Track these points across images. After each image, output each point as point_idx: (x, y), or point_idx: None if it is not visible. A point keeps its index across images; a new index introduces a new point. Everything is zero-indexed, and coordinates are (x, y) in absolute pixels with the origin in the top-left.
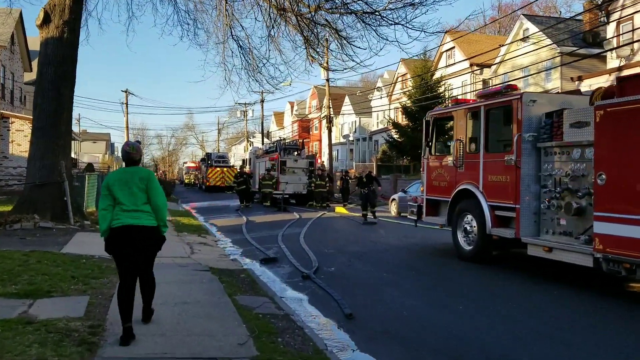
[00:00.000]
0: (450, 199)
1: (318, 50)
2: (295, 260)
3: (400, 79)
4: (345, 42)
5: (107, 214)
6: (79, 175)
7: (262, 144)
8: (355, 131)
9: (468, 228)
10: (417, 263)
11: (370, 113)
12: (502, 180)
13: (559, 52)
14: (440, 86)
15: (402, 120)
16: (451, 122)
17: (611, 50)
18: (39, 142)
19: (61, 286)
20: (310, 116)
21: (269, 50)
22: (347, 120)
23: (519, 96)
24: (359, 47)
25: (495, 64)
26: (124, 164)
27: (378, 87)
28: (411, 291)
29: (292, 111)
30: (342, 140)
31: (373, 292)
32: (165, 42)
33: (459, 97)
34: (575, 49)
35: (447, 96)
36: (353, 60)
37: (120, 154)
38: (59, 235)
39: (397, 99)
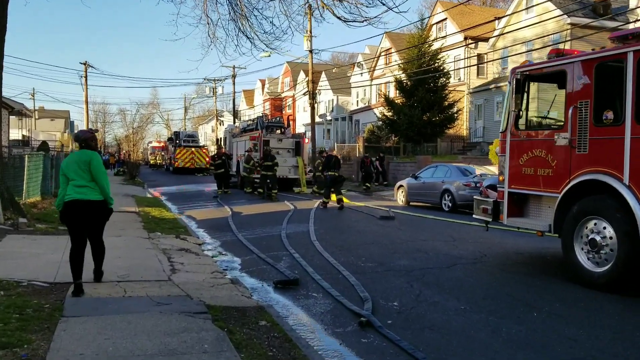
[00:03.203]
0: (559, 195)
1: None
2: (326, 284)
3: (383, 53)
4: None
5: (62, 191)
6: (20, 155)
7: (234, 123)
8: (332, 110)
9: (597, 239)
10: (520, 291)
11: (349, 91)
12: None
13: (568, 24)
14: (439, 59)
15: (394, 96)
16: (558, 82)
17: (637, 21)
18: None
19: None
20: (283, 94)
21: None
22: (323, 99)
23: None
24: None
25: (493, 37)
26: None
27: (358, 63)
28: None
29: (263, 89)
30: (318, 119)
31: None
32: (129, 6)
33: (452, 72)
34: (590, 21)
35: (445, 69)
36: (382, 3)
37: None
38: None
39: (381, 75)
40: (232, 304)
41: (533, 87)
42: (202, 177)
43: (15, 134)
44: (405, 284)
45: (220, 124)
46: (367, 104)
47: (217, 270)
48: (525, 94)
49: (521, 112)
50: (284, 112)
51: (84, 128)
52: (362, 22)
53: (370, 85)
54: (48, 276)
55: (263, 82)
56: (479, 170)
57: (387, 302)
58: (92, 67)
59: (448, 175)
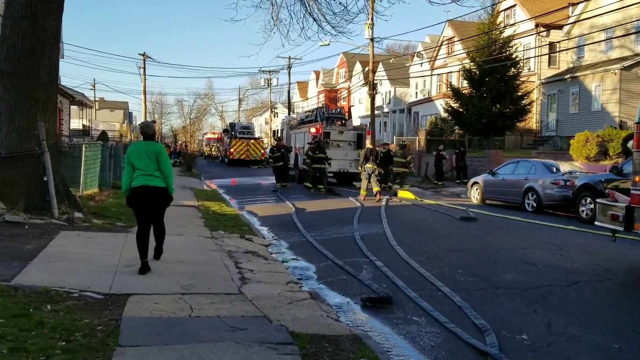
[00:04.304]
0: None
1: None
2: (426, 304)
3: (446, 42)
4: None
5: (128, 178)
6: (78, 144)
7: (288, 114)
8: (389, 102)
9: None
10: None
11: (407, 82)
12: None
13: None
14: (510, 46)
15: (458, 86)
16: None
17: None
18: (8, 94)
19: None
20: (338, 86)
21: None
22: (380, 90)
23: None
24: None
25: (568, 24)
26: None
27: (418, 53)
28: None
29: (317, 81)
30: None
31: None
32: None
33: (522, 61)
34: None
35: (518, 58)
36: None
37: (137, 124)
38: (31, 238)
39: (443, 65)
40: (321, 331)
41: None
42: (258, 169)
43: (75, 123)
44: (525, 307)
45: (274, 116)
46: (427, 96)
47: (291, 281)
48: None
49: None
50: (338, 103)
51: (143, 119)
52: None
53: (431, 75)
54: (103, 285)
55: (317, 74)
56: (564, 166)
57: (513, 335)
58: (150, 57)
59: (532, 172)
